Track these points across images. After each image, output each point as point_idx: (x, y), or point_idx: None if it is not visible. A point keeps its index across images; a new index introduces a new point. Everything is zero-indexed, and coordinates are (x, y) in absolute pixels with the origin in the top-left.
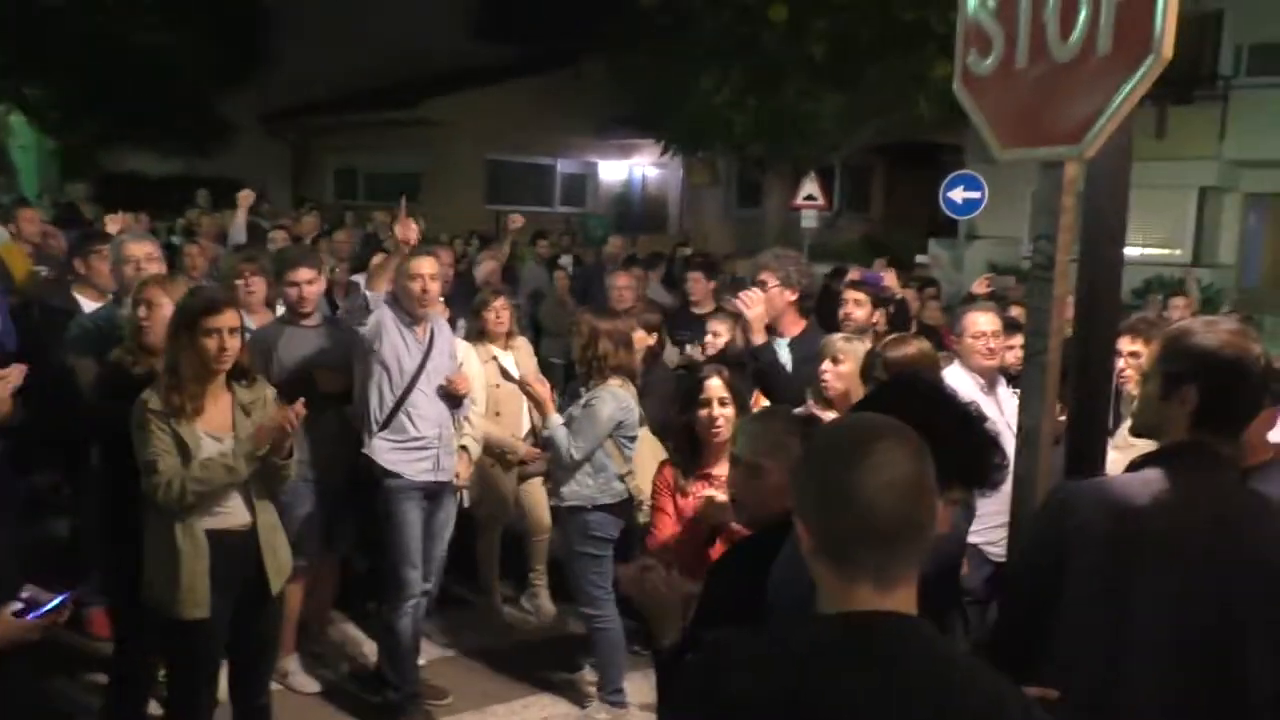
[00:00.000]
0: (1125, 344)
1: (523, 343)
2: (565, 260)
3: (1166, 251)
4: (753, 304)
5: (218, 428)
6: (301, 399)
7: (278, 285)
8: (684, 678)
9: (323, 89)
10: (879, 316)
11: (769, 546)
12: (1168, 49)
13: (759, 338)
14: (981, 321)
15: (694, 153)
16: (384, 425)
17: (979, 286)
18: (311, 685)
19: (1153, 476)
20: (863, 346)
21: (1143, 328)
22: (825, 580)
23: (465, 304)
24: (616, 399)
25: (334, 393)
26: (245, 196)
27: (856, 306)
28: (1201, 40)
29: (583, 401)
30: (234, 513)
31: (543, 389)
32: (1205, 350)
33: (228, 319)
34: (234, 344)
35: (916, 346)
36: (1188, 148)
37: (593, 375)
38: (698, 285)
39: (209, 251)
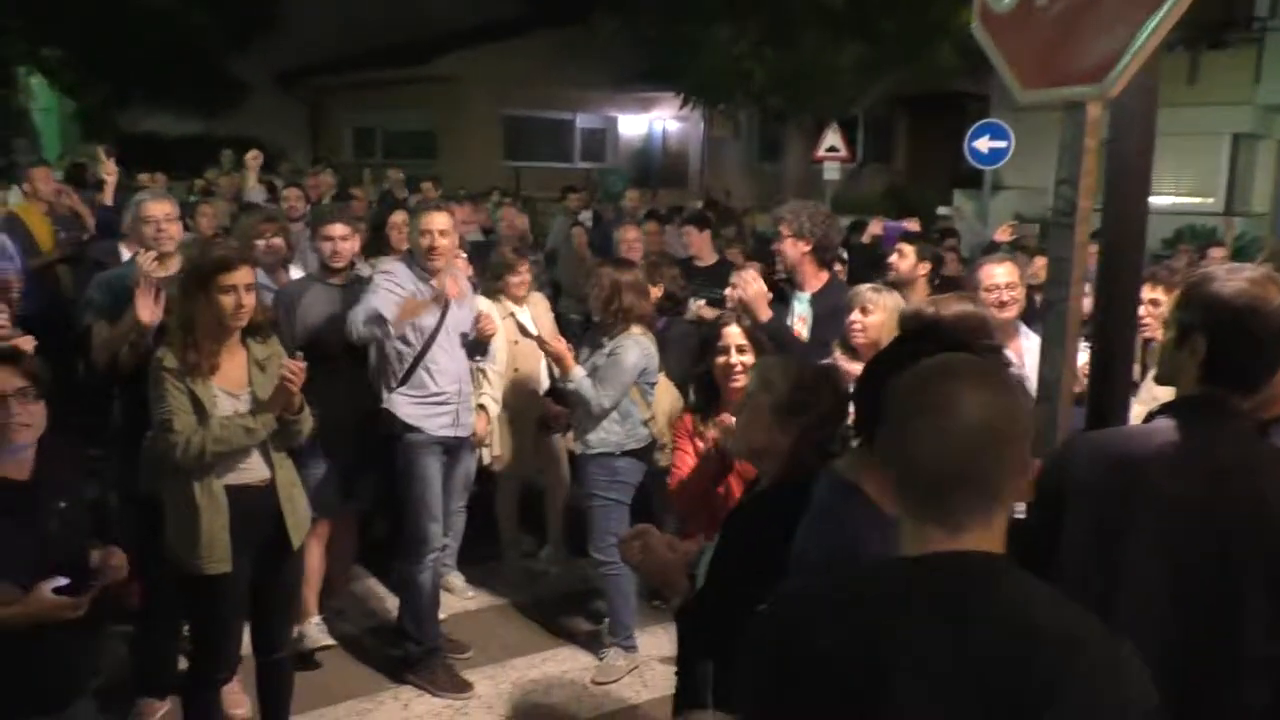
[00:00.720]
0: (1145, 292)
1: (539, 298)
2: (585, 215)
3: (1198, 200)
4: (748, 285)
5: (233, 384)
6: (300, 352)
7: (313, 240)
8: (759, 632)
9: (335, 47)
10: (924, 268)
11: (785, 501)
12: None
13: (764, 315)
14: (997, 273)
15: (714, 106)
16: (403, 380)
17: (1002, 234)
18: (329, 640)
19: (1159, 428)
20: (892, 298)
21: (1164, 275)
22: (904, 523)
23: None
24: (640, 346)
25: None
26: (253, 157)
27: (901, 258)
28: None
29: (607, 351)
30: (253, 468)
31: (560, 344)
32: (1216, 298)
33: (243, 275)
34: (250, 300)
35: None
36: (1221, 93)
37: (616, 325)
38: (693, 239)
39: (222, 210)
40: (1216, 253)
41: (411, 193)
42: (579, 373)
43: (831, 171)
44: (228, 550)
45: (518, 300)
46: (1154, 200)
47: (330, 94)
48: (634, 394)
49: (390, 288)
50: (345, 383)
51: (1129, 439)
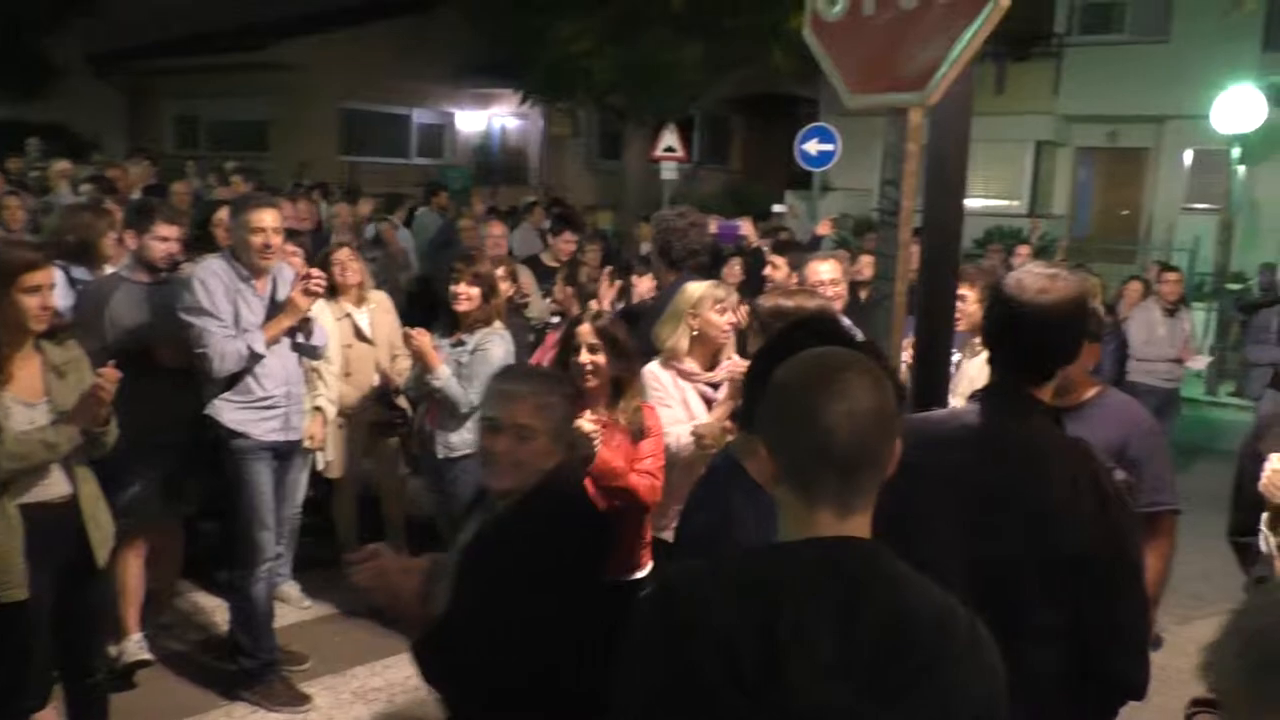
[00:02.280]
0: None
1: (381, 297)
2: (422, 212)
3: (1006, 202)
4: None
5: (29, 393)
6: (112, 361)
7: (138, 238)
8: (647, 614)
9: (158, 29)
10: (797, 277)
11: (526, 516)
12: None
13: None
14: (822, 270)
15: (554, 103)
16: (228, 385)
17: (823, 228)
18: (148, 657)
19: (961, 412)
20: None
21: (970, 273)
22: (789, 507)
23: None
24: (505, 341)
25: (174, 367)
26: (61, 172)
27: (775, 269)
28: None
29: (470, 347)
30: (53, 484)
31: (425, 340)
32: (1009, 294)
33: (48, 275)
34: (54, 302)
35: (797, 300)
36: (1025, 103)
37: (479, 322)
38: (562, 241)
39: (27, 203)
40: (1023, 250)
41: (220, 186)
42: (444, 371)
43: (669, 171)
44: (23, 575)
45: (352, 298)
46: (967, 203)
47: (151, 80)
48: None
49: (230, 317)
50: (167, 385)
51: (941, 423)
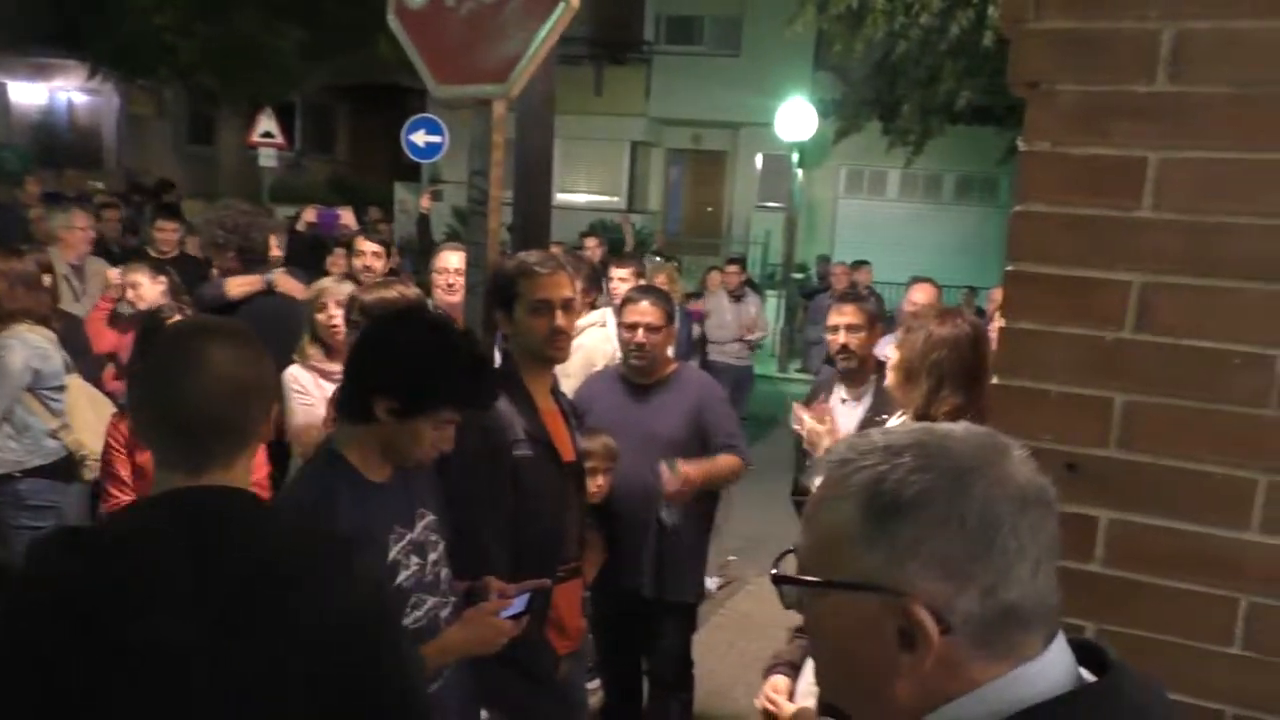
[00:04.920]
0: None
1: None
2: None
3: (607, 198)
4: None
5: None
6: None
7: None
8: (17, 579)
9: None
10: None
11: None
12: None
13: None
14: (451, 259)
15: (132, 80)
16: None
17: (424, 202)
18: None
19: None
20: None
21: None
22: (155, 469)
23: None
24: (27, 345)
25: None
26: None
27: (375, 258)
28: (629, 8)
29: None
30: None
31: None
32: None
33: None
34: None
35: (397, 289)
36: (621, 105)
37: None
38: (165, 232)
39: None
40: (591, 243)
41: None
42: None
43: (268, 159)
44: None
45: None
46: (570, 197)
47: None
48: (30, 402)
49: None
50: None
51: None
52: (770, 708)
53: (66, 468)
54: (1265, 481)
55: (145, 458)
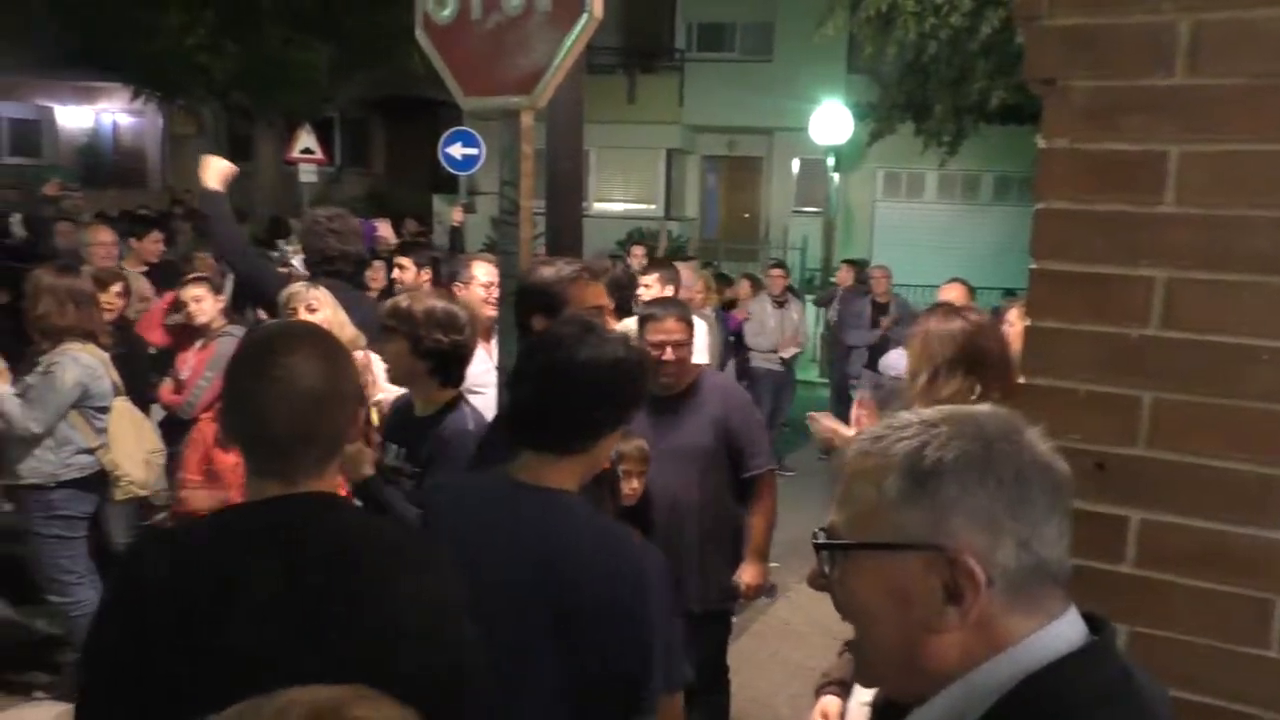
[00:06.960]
0: None
1: None
2: (15, 219)
3: (643, 206)
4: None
5: None
6: None
7: None
8: (112, 580)
9: None
10: (425, 275)
11: None
12: (598, 9)
13: None
14: (480, 273)
15: (171, 100)
16: None
17: (456, 216)
18: None
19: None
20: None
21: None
22: (247, 475)
23: None
24: (80, 364)
25: None
26: None
27: (403, 271)
28: (660, 16)
29: (41, 368)
30: None
31: None
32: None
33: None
34: None
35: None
36: (655, 113)
37: (47, 339)
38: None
39: None
40: (638, 251)
41: None
42: (5, 390)
43: (308, 174)
44: None
45: None
46: (607, 206)
47: None
48: (75, 418)
49: None
50: None
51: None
52: None
53: (100, 483)
54: None
55: (224, 460)
